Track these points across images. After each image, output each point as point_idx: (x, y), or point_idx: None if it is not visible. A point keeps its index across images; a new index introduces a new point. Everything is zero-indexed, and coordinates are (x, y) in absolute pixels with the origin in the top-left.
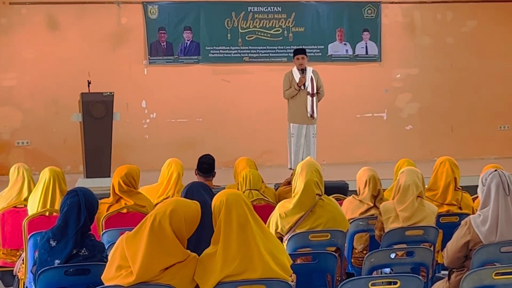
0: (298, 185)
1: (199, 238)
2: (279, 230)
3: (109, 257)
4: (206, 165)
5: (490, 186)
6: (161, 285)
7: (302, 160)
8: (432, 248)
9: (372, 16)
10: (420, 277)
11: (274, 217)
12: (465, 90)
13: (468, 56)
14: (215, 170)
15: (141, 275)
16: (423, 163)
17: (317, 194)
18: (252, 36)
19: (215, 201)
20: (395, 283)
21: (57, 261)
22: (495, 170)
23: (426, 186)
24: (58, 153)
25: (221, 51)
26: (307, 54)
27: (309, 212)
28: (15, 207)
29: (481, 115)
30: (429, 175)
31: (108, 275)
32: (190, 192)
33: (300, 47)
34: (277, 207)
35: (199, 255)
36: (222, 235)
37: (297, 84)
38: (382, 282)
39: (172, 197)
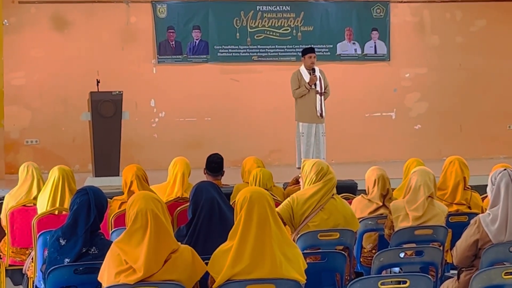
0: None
1: (208, 234)
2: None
3: (101, 272)
4: (214, 164)
5: (499, 185)
6: (165, 282)
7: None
8: (441, 248)
9: (381, 15)
10: (430, 277)
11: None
12: (474, 90)
13: (477, 55)
14: (223, 169)
15: (147, 270)
16: (432, 162)
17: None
18: (261, 35)
19: (239, 196)
20: (405, 282)
21: (66, 260)
22: (505, 169)
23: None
24: (67, 152)
25: (229, 50)
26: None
27: (321, 208)
28: (24, 205)
29: (490, 115)
30: (438, 174)
31: (108, 283)
32: (199, 190)
33: (309, 46)
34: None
35: (208, 250)
36: (240, 231)
37: (308, 83)
38: (392, 281)
39: (181, 196)
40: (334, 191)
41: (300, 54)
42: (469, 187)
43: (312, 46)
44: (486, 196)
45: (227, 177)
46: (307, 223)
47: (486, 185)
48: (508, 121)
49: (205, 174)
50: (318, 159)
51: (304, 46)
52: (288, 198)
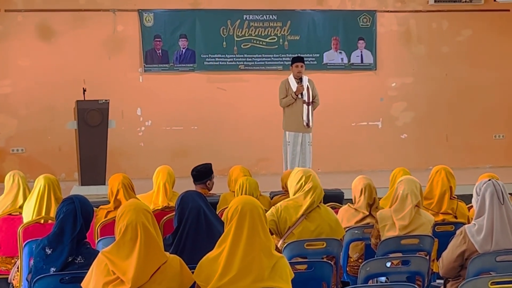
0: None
1: (194, 243)
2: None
3: (85, 280)
4: (195, 172)
5: (484, 196)
6: None
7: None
8: (427, 257)
9: (368, 25)
10: (416, 286)
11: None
12: (460, 99)
13: (463, 65)
14: (211, 178)
15: (135, 282)
16: (418, 172)
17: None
18: (248, 44)
19: (231, 205)
20: None
21: (52, 269)
22: (489, 180)
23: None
24: (53, 160)
25: (216, 59)
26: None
27: (305, 217)
28: (10, 214)
29: (476, 124)
30: (424, 184)
31: None
32: (185, 199)
33: (296, 55)
34: (276, 205)
35: (195, 259)
36: (230, 241)
37: (295, 92)
38: None
39: (166, 206)
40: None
41: (287, 63)
42: (455, 196)
43: (299, 55)
44: (471, 207)
45: (214, 186)
46: (292, 231)
47: (472, 195)
48: (494, 130)
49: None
50: (303, 168)
51: (290, 55)
52: (273, 208)
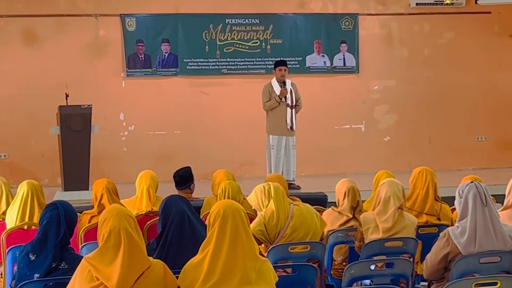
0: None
1: (179, 247)
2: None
3: (69, 286)
4: (177, 178)
5: (467, 198)
6: None
7: (282, 172)
8: (411, 259)
9: (350, 28)
10: None
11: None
12: (443, 102)
13: (445, 67)
14: (192, 182)
15: (119, 287)
16: (401, 174)
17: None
18: (230, 48)
19: (213, 209)
20: None
21: (36, 275)
22: (472, 182)
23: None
24: (36, 166)
25: (199, 63)
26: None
27: (290, 218)
28: None
29: (459, 126)
30: (407, 186)
31: None
32: (169, 204)
33: (279, 58)
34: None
35: (179, 263)
36: (213, 245)
37: (278, 96)
38: None
39: (150, 210)
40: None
41: (269, 66)
42: (439, 197)
43: (282, 58)
44: (454, 209)
45: (198, 190)
46: (283, 234)
47: (455, 197)
48: (476, 132)
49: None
50: (260, 184)
51: (273, 59)
52: (259, 217)
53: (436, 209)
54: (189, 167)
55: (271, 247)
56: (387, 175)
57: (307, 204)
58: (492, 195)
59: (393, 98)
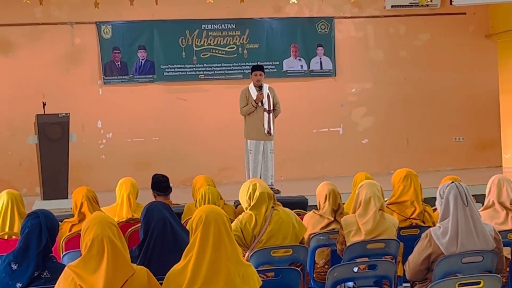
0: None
1: (161, 254)
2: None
3: None
4: (164, 184)
5: (448, 198)
6: None
7: (260, 176)
8: (394, 261)
9: (326, 31)
10: None
11: (236, 224)
12: (419, 103)
13: (421, 69)
14: (171, 186)
15: None
16: (380, 176)
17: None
18: (207, 54)
19: (195, 214)
20: None
21: (18, 285)
22: (452, 182)
23: (386, 199)
24: (13, 175)
25: (176, 69)
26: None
27: (268, 223)
28: None
29: (436, 127)
30: (386, 188)
31: None
32: (151, 211)
33: (256, 63)
34: (237, 219)
35: (162, 270)
36: (196, 251)
37: (255, 100)
38: None
39: (131, 217)
40: (273, 201)
41: (246, 71)
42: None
43: (259, 63)
44: (436, 209)
45: (177, 196)
46: (259, 239)
47: (435, 198)
48: (454, 133)
49: (154, 196)
50: (249, 179)
51: (250, 64)
52: (236, 221)
53: (424, 213)
54: (162, 174)
55: (248, 251)
56: (366, 177)
57: (287, 209)
58: (472, 195)
59: (370, 101)
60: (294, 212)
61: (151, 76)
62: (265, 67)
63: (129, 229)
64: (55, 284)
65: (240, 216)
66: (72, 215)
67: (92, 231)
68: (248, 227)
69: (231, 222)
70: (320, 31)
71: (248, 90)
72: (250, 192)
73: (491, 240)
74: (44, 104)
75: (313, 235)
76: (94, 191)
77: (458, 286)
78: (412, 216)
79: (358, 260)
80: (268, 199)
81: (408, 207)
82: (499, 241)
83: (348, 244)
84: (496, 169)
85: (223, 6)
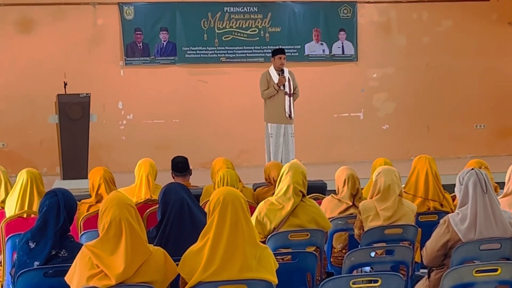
0: (282, 185)
1: (178, 235)
2: (263, 229)
3: (69, 274)
4: (181, 164)
5: (467, 185)
6: (138, 285)
7: (281, 160)
8: (411, 247)
9: (348, 16)
10: (401, 275)
11: (258, 215)
12: (441, 89)
13: (443, 55)
14: (191, 169)
15: (122, 277)
16: (400, 162)
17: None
18: (229, 37)
19: (213, 196)
20: (376, 281)
21: (36, 263)
22: (472, 169)
23: (403, 185)
24: (34, 155)
25: (197, 51)
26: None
27: (291, 213)
28: None
29: (457, 114)
30: (406, 174)
31: (79, 286)
32: (169, 192)
33: (278, 47)
34: (260, 207)
35: (179, 251)
36: (213, 233)
37: (277, 84)
38: (363, 280)
39: (149, 198)
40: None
41: (268, 55)
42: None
43: (280, 47)
44: (455, 197)
45: (197, 178)
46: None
47: (454, 184)
48: (475, 120)
49: (173, 177)
50: (280, 162)
51: (272, 47)
52: (256, 212)
53: (440, 195)
54: (182, 156)
55: (269, 235)
56: (385, 163)
57: (314, 204)
58: (496, 183)
59: (391, 86)
60: (312, 196)
61: (172, 58)
62: (286, 51)
63: (147, 210)
64: (72, 263)
65: (260, 208)
66: (90, 196)
67: (110, 213)
68: (266, 220)
69: (250, 205)
70: (342, 16)
71: (269, 73)
72: (282, 177)
73: (509, 227)
74: (65, 84)
75: (331, 219)
76: (112, 172)
77: (476, 273)
78: (429, 197)
79: (375, 245)
80: (299, 188)
81: (423, 188)
82: None
83: (365, 229)
84: None
85: None
